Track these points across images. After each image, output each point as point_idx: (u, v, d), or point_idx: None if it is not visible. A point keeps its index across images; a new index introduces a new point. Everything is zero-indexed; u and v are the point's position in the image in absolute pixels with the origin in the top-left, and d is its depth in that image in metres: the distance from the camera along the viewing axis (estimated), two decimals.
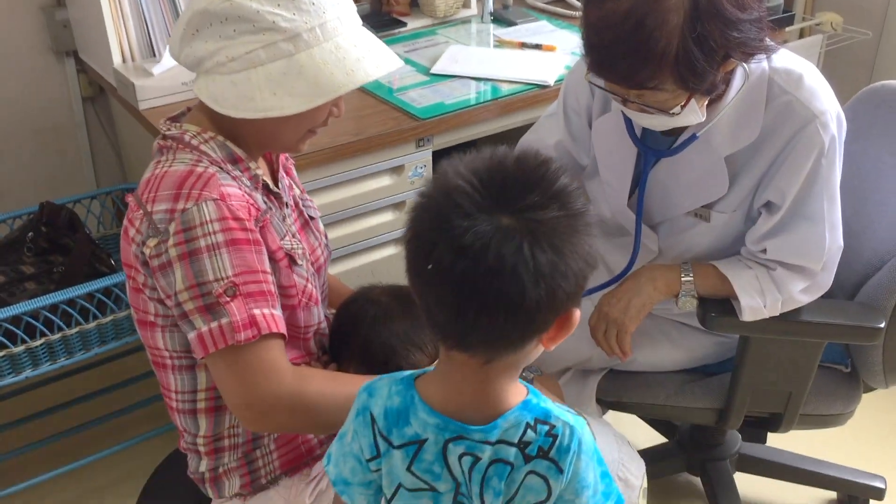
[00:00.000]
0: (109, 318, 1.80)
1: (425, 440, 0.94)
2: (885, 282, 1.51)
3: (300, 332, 1.33)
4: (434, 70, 2.12)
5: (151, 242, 1.16)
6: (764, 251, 1.41)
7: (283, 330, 1.20)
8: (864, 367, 1.62)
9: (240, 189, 1.20)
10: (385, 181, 1.93)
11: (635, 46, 1.17)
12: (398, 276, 2.01)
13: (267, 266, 1.21)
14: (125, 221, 1.23)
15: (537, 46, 2.25)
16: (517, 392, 0.95)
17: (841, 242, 1.41)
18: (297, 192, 1.43)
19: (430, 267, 0.85)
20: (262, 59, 1.15)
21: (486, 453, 0.93)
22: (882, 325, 1.46)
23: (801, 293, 1.42)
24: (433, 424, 0.94)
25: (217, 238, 1.15)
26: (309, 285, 1.31)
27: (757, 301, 1.41)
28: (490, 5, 2.46)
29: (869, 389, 1.70)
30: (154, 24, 2.07)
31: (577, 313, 0.90)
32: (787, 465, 1.98)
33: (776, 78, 1.33)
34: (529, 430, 0.92)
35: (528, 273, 0.82)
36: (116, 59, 2.03)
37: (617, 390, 1.66)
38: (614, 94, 1.29)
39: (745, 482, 1.96)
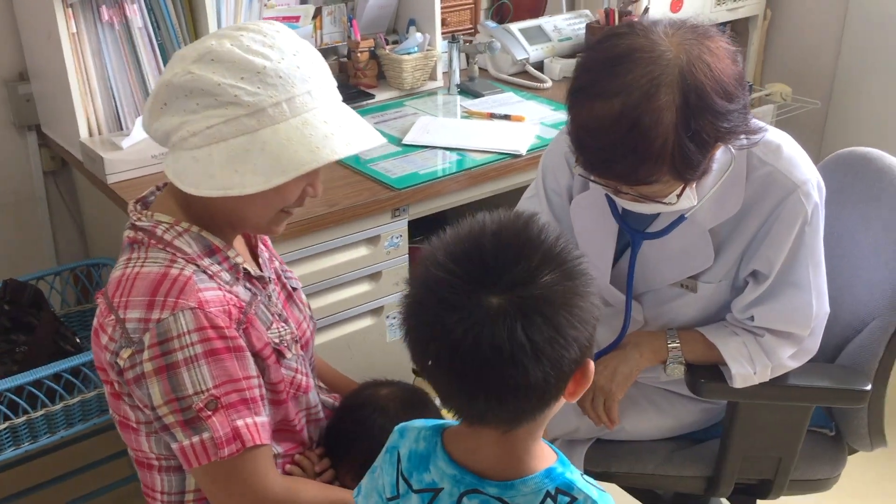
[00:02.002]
0: (77, 398, 1.73)
1: (441, 489, 0.93)
2: (867, 344, 1.53)
3: (292, 424, 1.29)
4: (406, 140, 2.12)
5: (125, 353, 1.11)
6: (751, 318, 1.41)
7: (268, 439, 1.17)
8: (849, 430, 1.62)
9: (219, 289, 1.15)
10: (361, 252, 1.91)
11: (632, 147, 1.15)
12: (374, 347, 2.00)
13: (251, 370, 1.16)
14: (95, 324, 1.18)
15: (506, 117, 2.28)
16: (543, 457, 0.93)
17: (827, 308, 1.42)
18: (277, 264, 1.40)
19: (429, 363, 0.86)
20: (223, 135, 1.09)
21: None
22: (868, 388, 1.47)
23: (789, 359, 1.43)
24: (450, 475, 0.93)
25: (195, 350, 1.10)
26: (298, 376, 1.28)
27: (747, 368, 1.41)
28: (457, 77, 2.49)
29: (852, 452, 1.70)
30: (122, 97, 2.05)
31: (592, 364, 0.89)
32: None
33: (755, 149, 1.35)
34: (549, 500, 0.90)
35: (527, 356, 0.81)
36: (83, 133, 2.00)
37: (605, 460, 1.63)
38: (606, 186, 1.27)
39: None
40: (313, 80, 1.14)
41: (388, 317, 2.01)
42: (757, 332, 1.42)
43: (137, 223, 1.19)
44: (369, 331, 1.98)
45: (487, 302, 0.82)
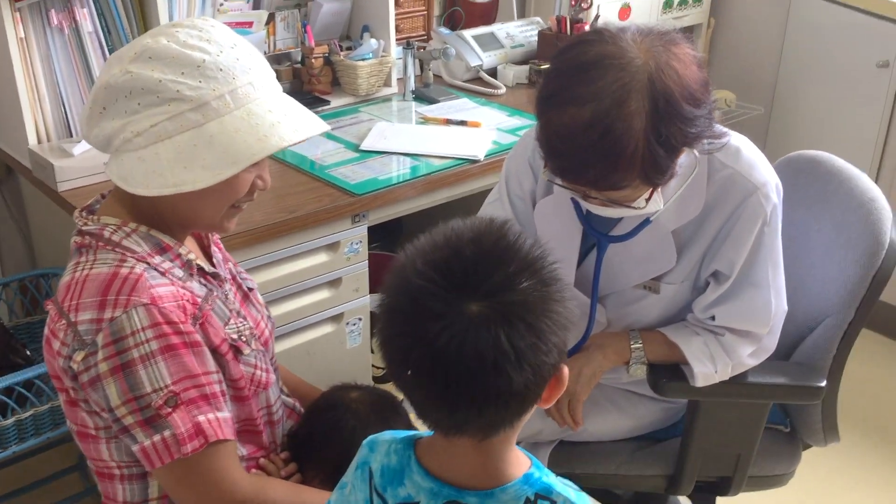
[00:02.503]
0: (30, 412, 1.68)
1: (417, 503, 0.92)
2: (821, 342, 1.57)
3: (254, 424, 1.27)
4: (363, 146, 2.12)
5: (79, 356, 1.08)
6: (712, 318, 1.44)
7: (232, 434, 1.15)
8: (804, 425, 1.66)
9: (172, 285, 1.14)
10: (321, 258, 1.89)
11: (604, 153, 1.16)
12: (334, 354, 1.98)
13: (210, 365, 1.14)
14: (46, 331, 1.15)
15: (462, 122, 2.29)
16: (518, 463, 0.93)
17: (785, 306, 1.46)
18: (231, 265, 1.38)
19: (409, 373, 0.85)
20: (168, 132, 1.08)
21: None
22: (824, 384, 1.51)
23: (749, 357, 1.46)
24: (426, 489, 0.92)
25: (151, 346, 1.08)
26: (258, 372, 1.26)
27: (708, 367, 1.44)
28: (412, 83, 2.50)
29: (806, 447, 1.74)
30: (71, 103, 2.01)
31: (566, 369, 0.89)
32: None
33: (715, 153, 1.38)
34: None
35: (510, 363, 0.81)
36: (32, 140, 1.95)
37: (569, 462, 1.64)
38: (574, 191, 1.28)
39: None
40: (253, 70, 1.13)
41: (348, 323, 2.00)
42: (717, 332, 1.45)
43: (84, 228, 1.17)
44: (329, 338, 1.97)
45: (469, 309, 0.81)
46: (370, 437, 1.00)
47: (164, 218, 1.18)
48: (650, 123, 1.15)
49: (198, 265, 1.21)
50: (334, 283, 1.94)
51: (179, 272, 1.17)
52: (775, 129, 3.14)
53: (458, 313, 0.81)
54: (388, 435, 0.99)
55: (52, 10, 1.92)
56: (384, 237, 2.52)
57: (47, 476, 2.08)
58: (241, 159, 1.09)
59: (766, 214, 1.36)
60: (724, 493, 1.66)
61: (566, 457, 1.65)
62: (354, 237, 1.93)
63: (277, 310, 1.85)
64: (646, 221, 1.37)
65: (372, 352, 2.13)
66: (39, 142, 1.97)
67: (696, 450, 1.57)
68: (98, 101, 1.10)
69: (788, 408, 1.71)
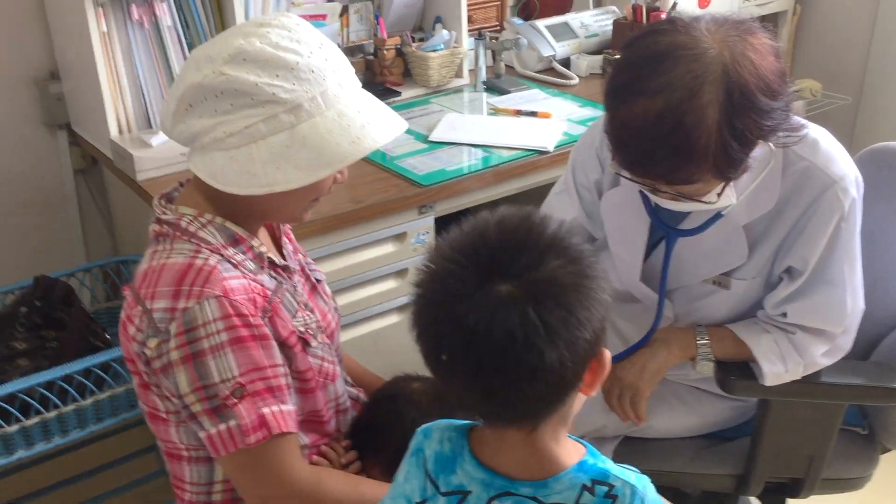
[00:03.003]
0: (107, 393, 1.74)
1: (469, 493, 0.92)
2: None
3: (319, 415, 1.29)
4: (432, 137, 2.12)
5: (152, 343, 1.12)
6: (784, 315, 1.40)
7: (295, 427, 1.17)
8: (883, 428, 1.60)
9: (244, 278, 1.16)
10: (388, 248, 1.91)
11: (675, 146, 1.13)
12: (400, 344, 1.99)
13: (277, 358, 1.17)
14: (122, 316, 1.19)
15: (533, 114, 2.27)
16: (572, 451, 0.93)
17: (862, 305, 1.40)
18: (301, 256, 1.40)
19: (444, 358, 0.85)
20: (262, 133, 1.10)
21: None
22: None
23: (822, 356, 1.41)
24: (479, 479, 0.92)
25: (221, 338, 1.11)
26: (325, 364, 1.28)
27: (778, 366, 1.39)
28: (483, 74, 2.49)
29: (885, 450, 1.67)
30: (151, 95, 2.07)
31: (607, 353, 0.88)
32: None
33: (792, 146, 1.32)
34: (586, 493, 0.90)
35: (540, 338, 0.81)
36: (113, 131, 2.02)
37: (633, 458, 1.61)
38: (643, 184, 1.25)
39: None
40: (340, 70, 1.15)
41: None
42: (789, 330, 1.40)
43: (162, 217, 1.20)
44: (395, 328, 1.98)
45: (497, 290, 0.82)
46: (425, 425, 1.00)
47: (242, 209, 1.20)
48: (724, 116, 1.11)
49: (269, 258, 1.24)
50: (401, 273, 1.95)
51: (251, 265, 1.20)
52: (863, 119, 3.02)
53: (487, 294, 0.82)
54: (443, 422, 0.99)
55: (133, 6, 1.98)
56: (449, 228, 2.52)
57: (124, 456, 2.16)
58: (334, 161, 1.12)
59: (843, 209, 1.31)
60: (795, 494, 1.61)
61: (630, 452, 1.62)
62: (421, 228, 1.93)
63: (344, 299, 1.87)
64: (717, 215, 1.32)
65: None
66: (121, 133, 2.04)
67: (766, 450, 1.53)
68: (185, 98, 1.12)
69: (867, 409, 1.64)
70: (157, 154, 1.95)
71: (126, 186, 2.03)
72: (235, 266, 1.17)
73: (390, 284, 1.94)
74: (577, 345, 0.83)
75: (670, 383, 1.59)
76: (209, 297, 1.11)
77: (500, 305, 0.81)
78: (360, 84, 1.20)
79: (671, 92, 1.11)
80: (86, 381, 1.71)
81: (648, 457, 1.61)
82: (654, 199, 1.29)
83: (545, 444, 0.91)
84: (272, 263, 1.24)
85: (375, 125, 1.15)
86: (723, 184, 1.21)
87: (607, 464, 0.93)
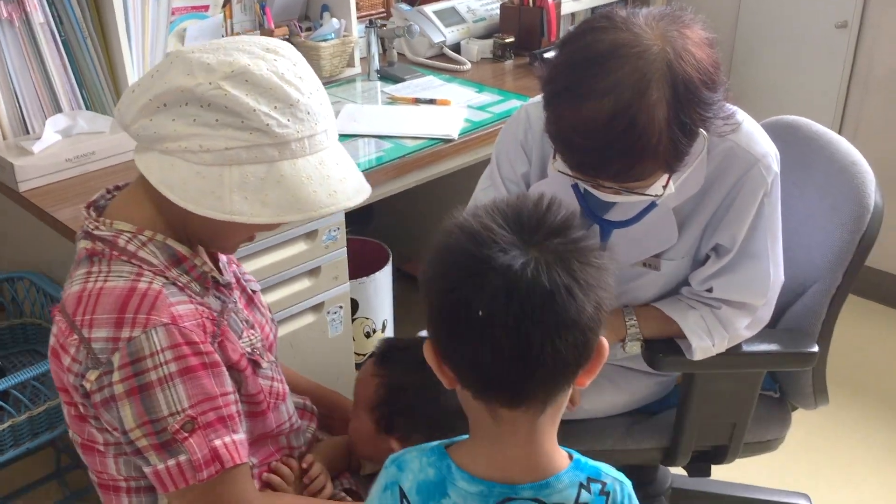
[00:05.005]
0: (7, 423, 1.62)
1: None
2: (810, 306, 1.58)
3: (272, 434, 1.24)
4: None
5: (92, 375, 1.04)
6: (709, 290, 1.43)
7: (246, 457, 1.11)
8: (795, 390, 1.68)
9: (191, 302, 1.10)
10: (300, 247, 1.85)
11: (628, 147, 1.13)
12: (316, 344, 1.95)
13: (228, 385, 1.11)
14: (54, 342, 1.10)
15: (431, 101, 2.25)
16: (563, 454, 0.93)
17: (782, 277, 1.46)
18: (235, 267, 1.34)
19: (481, 313, 0.82)
20: (241, 159, 1.03)
21: None
22: (816, 350, 1.52)
23: (745, 329, 1.46)
24: (475, 493, 0.90)
25: (169, 368, 1.04)
26: (275, 383, 1.23)
27: (706, 341, 1.43)
28: (376, 63, 2.44)
29: (793, 408, 1.76)
30: (26, 98, 1.93)
31: (605, 341, 0.89)
32: (719, 494, 2.02)
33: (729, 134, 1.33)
34: (584, 491, 0.90)
35: (581, 289, 0.83)
36: None
37: (565, 440, 1.58)
38: (585, 181, 1.24)
39: None
40: (329, 118, 1.11)
41: (328, 312, 1.96)
42: (714, 305, 1.45)
43: (95, 232, 1.11)
44: (311, 328, 1.93)
45: (532, 249, 0.83)
46: (393, 456, 0.96)
47: (186, 229, 1.13)
48: (672, 112, 1.12)
49: (212, 277, 1.17)
50: (314, 271, 1.90)
51: (196, 286, 1.13)
52: (734, 93, 3.13)
53: (524, 250, 0.83)
54: (412, 451, 0.95)
55: (1, 2, 1.83)
56: (355, 222, 2.48)
57: (25, 485, 2.02)
58: (307, 208, 1.06)
59: (767, 185, 1.36)
60: (719, 461, 1.67)
61: (563, 436, 1.58)
62: (332, 224, 1.88)
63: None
64: (652, 205, 1.34)
65: (353, 340, 2.10)
66: None
67: (692, 421, 1.58)
68: (160, 96, 1.03)
69: (778, 374, 1.72)
70: (41, 161, 1.81)
71: (4, 198, 1.88)
72: (181, 289, 1.10)
73: (304, 284, 1.89)
74: (602, 305, 0.85)
75: None
76: (156, 326, 1.03)
77: (543, 259, 0.82)
78: (337, 136, 1.15)
79: (620, 92, 1.11)
80: None
81: (581, 438, 1.63)
82: (597, 193, 1.28)
83: (545, 438, 0.91)
84: (215, 283, 1.18)
85: (351, 183, 1.11)
86: (667, 175, 1.22)
87: (597, 463, 0.95)
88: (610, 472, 0.93)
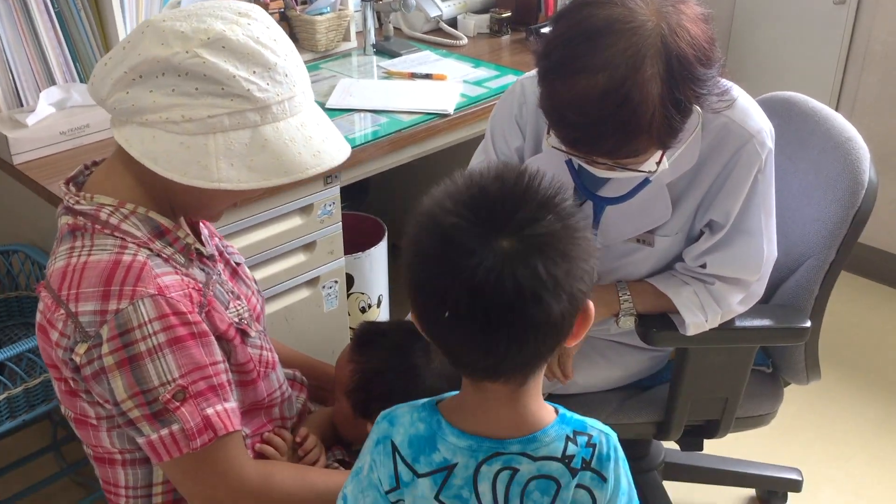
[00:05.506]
0: (3, 394, 1.62)
1: (455, 465, 0.92)
2: (803, 282, 1.59)
3: (262, 405, 1.24)
4: (329, 105, 2.06)
5: (81, 349, 1.04)
6: (703, 266, 1.44)
7: (238, 425, 1.12)
8: (787, 366, 1.69)
9: (176, 273, 1.09)
10: (295, 222, 1.85)
11: (622, 123, 1.13)
12: (312, 318, 1.95)
13: (217, 355, 1.11)
14: (40, 318, 1.10)
15: (428, 76, 2.24)
16: (549, 409, 0.95)
17: (776, 252, 1.46)
18: (217, 240, 1.34)
19: (446, 315, 0.83)
20: (224, 126, 1.03)
21: (526, 466, 0.91)
22: (808, 325, 1.53)
23: (738, 304, 1.46)
24: (464, 447, 0.91)
25: (159, 339, 1.04)
26: (264, 352, 1.23)
27: (699, 317, 1.44)
28: (372, 37, 2.43)
29: (786, 384, 1.77)
30: (20, 71, 1.92)
31: (591, 304, 0.89)
32: (711, 469, 2.04)
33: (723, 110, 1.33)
34: (570, 443, 0.92)
35: (548, 292, 0.82)
36: None
37: None
38: (579, 157, 1.24)
39: (672, 490, 2.00)
40: (305, 81, 1.11)
41: (324, 287, 1.96)
42: (707, 280, 1.45)
43: (77, 207, 1.10)
44: (306, 302, 1.94)
45: (501, 245, 0.82)
46: (385, 412, 0.98)
47: (169, 199, 1.13)
48: (666, 88, 1.12)
49: (196, 249, 1.17)
50: (309, 246, 1.90)
51: (181, 258, 1.13)
52: (731, 69, 3.13)
53: (491, 248, 0.82)
54: (404, 406, 0.97)
55: None
56: (350, 197, 2.47)
57: (21, 458, 2.03)
58: (293, 171, 1.06)
59: (761, 162, 1.36)
60: (711, 435, 1.69)
61: None
62: (327, 199, 1.88)
63: (254, 276, 1.80)
64: (645, 181, 1.34)
65: (349, 315, 2.11)
66: None
67: (685, 396, 1.59)
68: (135, 68, 1.02)
69: (770, 349, 1.73)
70: (34, 134, 1.81)
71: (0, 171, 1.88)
72: (166, 261, 1.10)
73: (300, 258, 1.89)
74: (577, 297, 0.84)
75: (592, 339, 1.62)
76: (143, 297, 1.03)
77: (507, 260, 0.81)
78: (313, 96, 1.15)
79: (614, 68, 1.10)
80: None
81: (575, 412, 1.64)
82: (591, 169, 1.28)
83: (530, 399, 0.92)
84: (199, 254, 1.18)
85: (333, 142, 1.11)
86: (661, 152, 1.22)
87: (581, 416, 0.96)
88: (595, 425, 0.95)
